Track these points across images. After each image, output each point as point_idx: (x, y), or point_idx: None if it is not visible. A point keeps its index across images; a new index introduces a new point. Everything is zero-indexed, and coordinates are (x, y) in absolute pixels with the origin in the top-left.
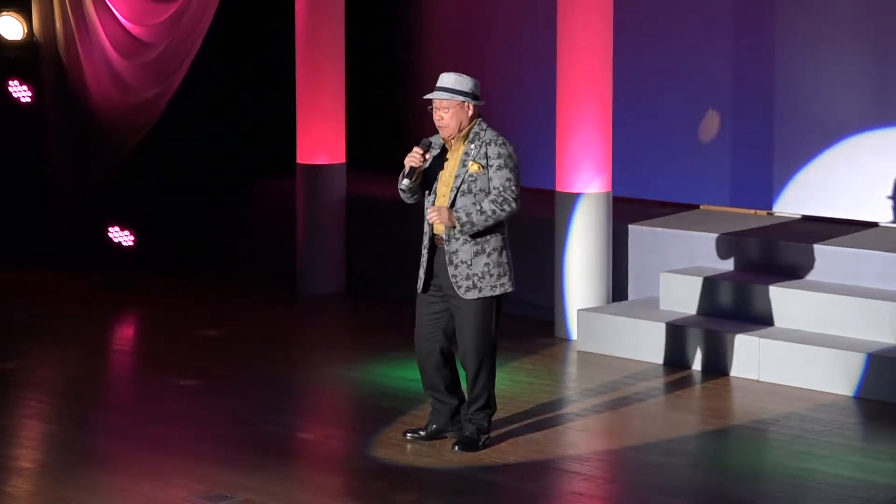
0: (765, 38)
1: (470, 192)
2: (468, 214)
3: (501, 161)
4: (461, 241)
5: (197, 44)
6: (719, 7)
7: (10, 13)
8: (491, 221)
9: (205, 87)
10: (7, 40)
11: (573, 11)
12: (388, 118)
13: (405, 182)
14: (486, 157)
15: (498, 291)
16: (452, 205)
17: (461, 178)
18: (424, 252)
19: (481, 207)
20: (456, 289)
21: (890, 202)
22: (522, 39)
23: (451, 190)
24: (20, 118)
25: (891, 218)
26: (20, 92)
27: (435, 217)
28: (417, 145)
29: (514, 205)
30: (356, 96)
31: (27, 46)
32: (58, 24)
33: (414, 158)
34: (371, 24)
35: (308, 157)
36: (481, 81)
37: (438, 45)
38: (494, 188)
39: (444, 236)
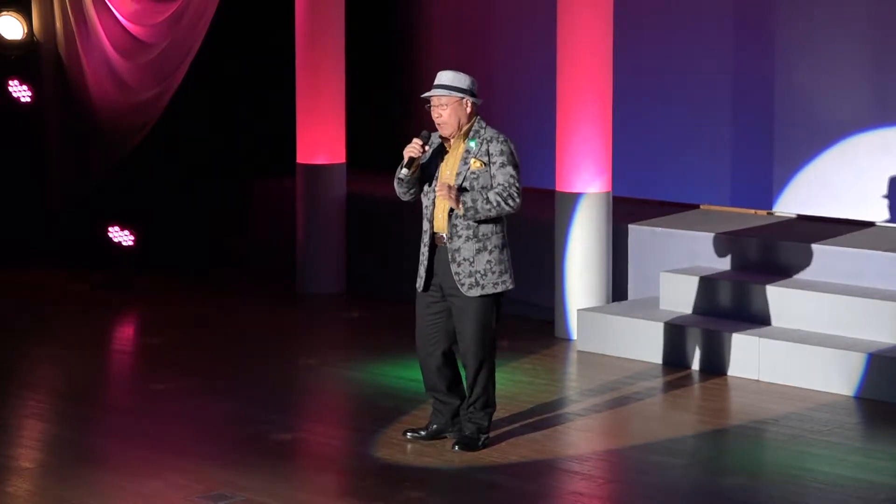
0: (765, 38)
1: (472, 189)
2: (474, 201)
3: (504, 158)
4: (463, 238)
5: (197, 44)
6: (719, 7)
7: (10, 13)
8: (494, 213)
9: (205, 87)
10: (7, 40)
11: (573, 11)
12: (388, 118)
13: (404, 171)
14: (489, 154)
15: (500, 288)
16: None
17: (463, 175)
18: (424, 250)
19: (487, 197)
20: (459, 286)
21: (890, 202)
22: (522, 39)
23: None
24: (20, 118)
25: (890, 218)
26: (20, 92)
27: (443, 193)
28: (417, 136)
29: (517, 200)
30: (356, 96)
31: (27, 46)
32: (58, 24)
33: (413, 149)
34: (371, 25)
35: (308, 157)
36: (481, 81)
37: (438, 45)
38: (499, 184)
39: (444, 235)
